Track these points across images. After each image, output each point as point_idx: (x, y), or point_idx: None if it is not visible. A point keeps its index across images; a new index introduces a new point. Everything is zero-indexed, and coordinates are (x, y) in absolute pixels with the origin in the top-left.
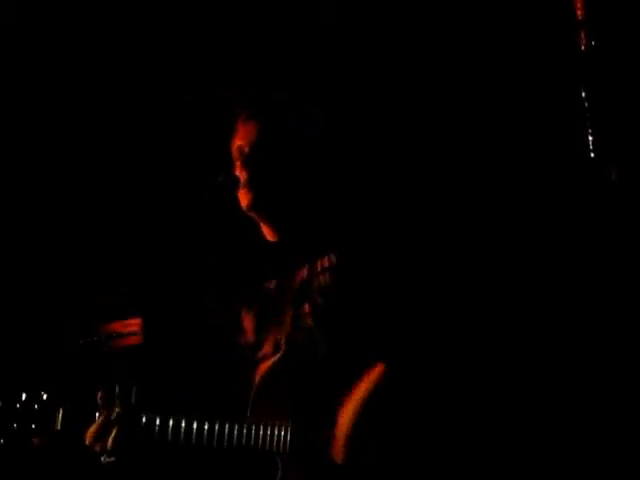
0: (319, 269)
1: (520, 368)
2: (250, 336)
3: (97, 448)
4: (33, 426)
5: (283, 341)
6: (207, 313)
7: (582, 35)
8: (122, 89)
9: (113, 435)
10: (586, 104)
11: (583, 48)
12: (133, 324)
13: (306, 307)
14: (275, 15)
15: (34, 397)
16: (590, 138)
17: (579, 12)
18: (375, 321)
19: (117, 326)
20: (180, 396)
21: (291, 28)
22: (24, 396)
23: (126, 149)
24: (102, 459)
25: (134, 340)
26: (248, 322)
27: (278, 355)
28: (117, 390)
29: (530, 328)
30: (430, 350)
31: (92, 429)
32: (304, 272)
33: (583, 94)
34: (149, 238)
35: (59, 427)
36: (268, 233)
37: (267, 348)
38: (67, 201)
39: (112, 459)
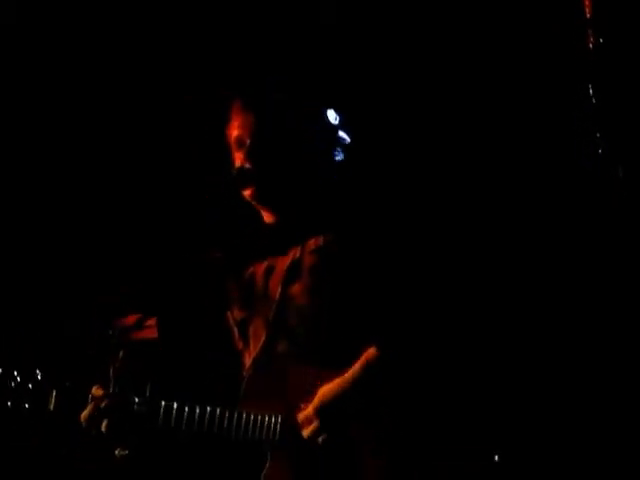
0: (311, 249)
1: (517, 366)
2: (237, 312)
3: (93, 431)
4: (26, 405)
5: (271, 320)
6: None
7: (590, 34)
8: (122, 89)
9: (106, 421)
10: (593, 101)
11: (591, 46)
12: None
13: (297, 286)
14: (275, 15)
15: (29, 376)
16: (597, 135)
17: (587, 11)
18: (367, 303)
19: (133, 320)
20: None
21: (291, 28)
22: (18, 374)
23: (126, 148)
24: (116, 452)
25: (149, 333)
26: (235, 298)
27: (267, 336)
28: (111, 374)
29: (529, 327)
30: (424, 337)
31: (86, 413)
32: (296, 251)
33: (591, 92)
34: (149, 234)
35: (52, 408)
36: (267, 216)
37: (257, 325)
38: (68, 201)
39: (126, 452)
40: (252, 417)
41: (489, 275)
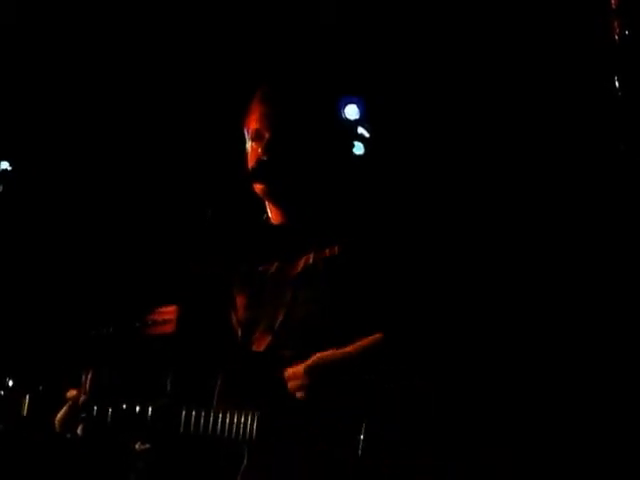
0: (326, 257)
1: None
2: (241, 313)
3: (67, 434)
4: None
5: (278, 324)
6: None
7: (616, 24)
8: (123, 90)
9: (82, 425)
10: (619, 93)
11: (617, 37)
12: (169, 312)
13: (307, 293)
14: (275, 15)
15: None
16: (622, 127)
17: (613, 1)
18: (375, 313)
19: (153, 315)
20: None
21: (291, 28)
22: None
23: (127, 149)
24: (136, 446)
25: (169, 328)
26: (240, 300)
27: (270, 341)
28: (87, 376)
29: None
30: (430, 345)
31: (60, 416)
32: (310, 258)
33: (617, 83)
34: (150, 235)
35: (25, 413)
36: (275, 216)
37: (262, 329)
38: (67, 202)
39: (146, 446)
40: (228, 416)
41: (498, 275)
